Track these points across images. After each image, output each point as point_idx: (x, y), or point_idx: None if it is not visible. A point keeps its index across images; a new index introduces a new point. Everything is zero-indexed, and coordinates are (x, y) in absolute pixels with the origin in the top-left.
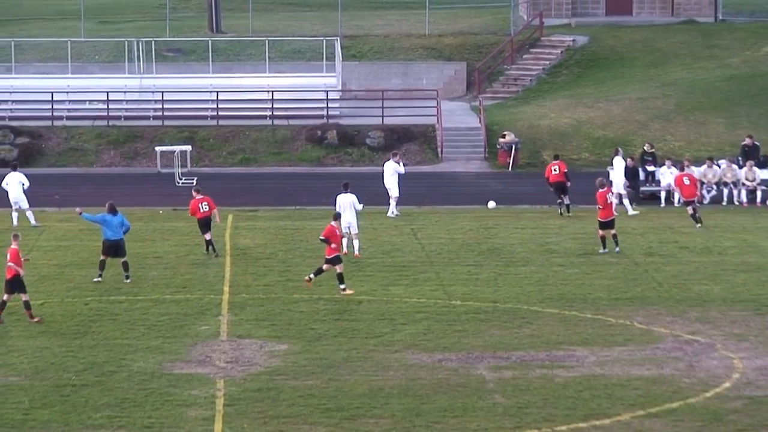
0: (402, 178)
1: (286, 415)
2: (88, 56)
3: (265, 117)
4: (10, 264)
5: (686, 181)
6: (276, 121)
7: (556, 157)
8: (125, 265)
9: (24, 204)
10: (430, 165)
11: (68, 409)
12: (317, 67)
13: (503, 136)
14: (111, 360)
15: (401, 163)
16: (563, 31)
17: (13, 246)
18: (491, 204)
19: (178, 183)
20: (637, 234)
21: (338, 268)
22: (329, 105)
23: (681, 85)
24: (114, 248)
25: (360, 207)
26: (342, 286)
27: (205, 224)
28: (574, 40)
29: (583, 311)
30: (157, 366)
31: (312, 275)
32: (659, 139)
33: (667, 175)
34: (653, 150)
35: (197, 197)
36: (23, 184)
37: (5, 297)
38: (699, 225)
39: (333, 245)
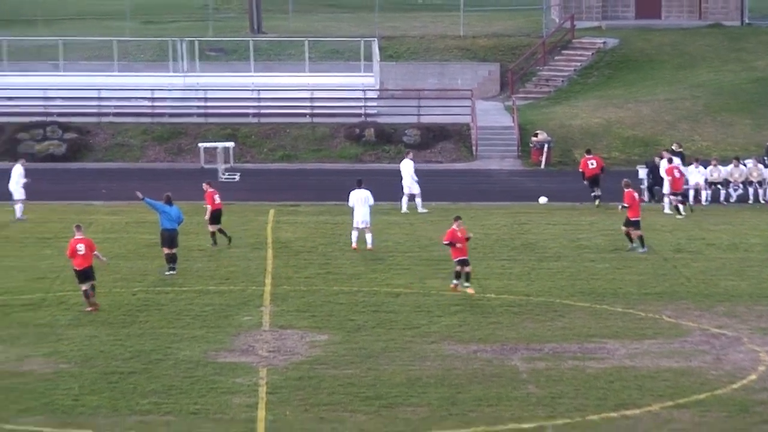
0: (436, 175)
1: (326, 403)
2: (133, 55)
3: (305, 115)
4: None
5: (677, 174)
6: (315, 119)
7: (588, 152)
8: (173, 258)
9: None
10: (464, 162)
11: (116, 396)
12: (355, 66)
13: (536, 135)
14: (157, 348)
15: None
16: (594, 34)
17: (78, 236)
18: (542, 199)
19: (221, 178)
20: (666, 231)
21: (467, 269)
22: (367, 104)
23: (708, 87)
24: (171, 238)
25: (372, 202)
26: (467, 284)
27: (217, 216)
28: (604, 43)
29: (614, 305)
30: (202, 354)
31: (455, 281)
32: (687, 139)
33: (694, 174)
34: (681, 149)
35: (209, 189)
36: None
37: (83, 287)
38: (680, 216)
39: (458, 245)
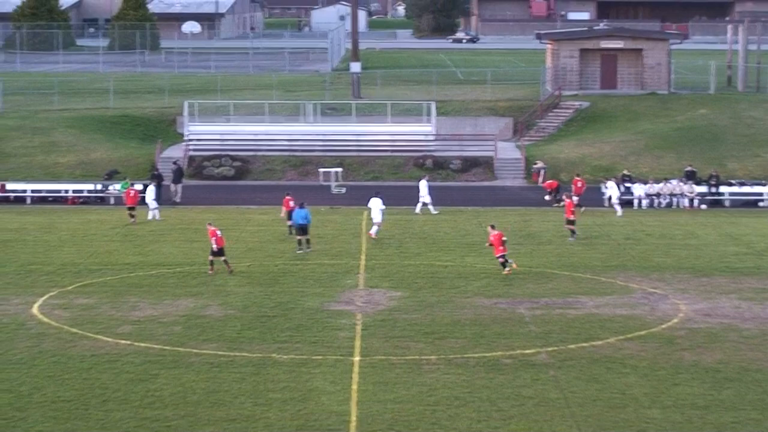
0: (471, 190)
1: (399, 336)
2: (278, 112)
3: (387, 150)
4: (217, 236)
5: (579, 184)
6: (394, 153)
7: (577, 175)
8: (308, 241)
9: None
10: (489, 181)
11: (264, 331)
12: (420, 119)
13: (535, 163)
14: (291, 300)
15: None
16: (573, 99)
17: (212, 228)
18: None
19: (333, 191)
20: (620, 225)
21: (505, 259)
22: (427, 143)
23: (647, 133)
24: (301, 229)
25: (383, 207)
26: (509, 264)
27: (292, 214)
28: (580, 105)
29: (585, 273)
30: (320, 305)
31: (506, 269)
32: (633, 166)
33: (639, 189)
34: (630, 173)
35: (288, 197)
36: (154, 191)
37: (221, 258)
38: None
39: (501, 246)
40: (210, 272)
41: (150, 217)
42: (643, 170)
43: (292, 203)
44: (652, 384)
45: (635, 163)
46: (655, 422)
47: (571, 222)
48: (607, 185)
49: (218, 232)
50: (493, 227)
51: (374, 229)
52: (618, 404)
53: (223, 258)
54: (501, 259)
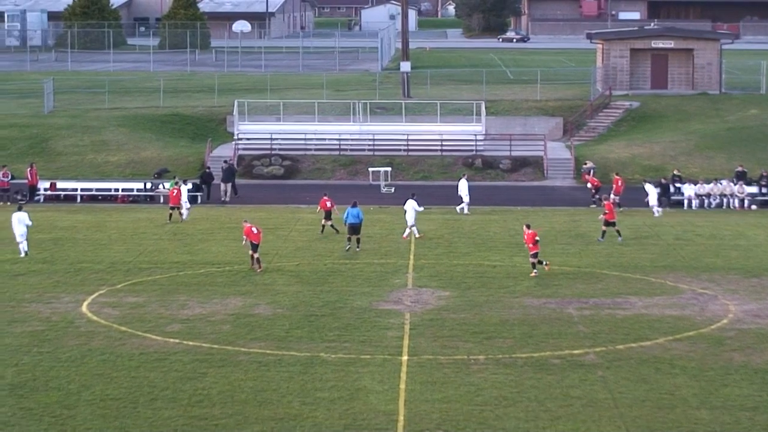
0: (521, 190)
1: (447, 335)
2: (327, 111)
3: (437, 150)
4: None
5: (619, 183)
6: (444, 153)
7: (617, 174)
8: (358, 241)
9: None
10: (539, 181)
11: (313, 330)
12: (469, 119)
13: (585, 164)
14: (339, 300)
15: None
16: (624, 99)
17: (247, 225)
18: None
19: (382, 191)
20: (669, 226)
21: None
22: (477, 143)
23: (697, 133)
24: (353, 228)
25: (420, 209)
26: (543, 264)
27: (328, 214)
28: (630, 105)
29: (634, 274)
30: (368, 304)
31: (534, 271)
32: (683, 166)
33: (688, 189)
34: (680, 173)
35: (325, 198)
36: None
37: (255, 254)
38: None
39: (533, 245)
40: (258, 269)
41: (184, 215)
42: (694, 171)
43: (329, 204)
44: (701, 385)
45: (685, 163)
46: (704, 423)
47: (611, 224)
48: (646, 187)
49: (254, 229)
50: (528, 226)
51: (407, 231)
52: (666, 405)
53: (256, 255)
54: (532, 260)
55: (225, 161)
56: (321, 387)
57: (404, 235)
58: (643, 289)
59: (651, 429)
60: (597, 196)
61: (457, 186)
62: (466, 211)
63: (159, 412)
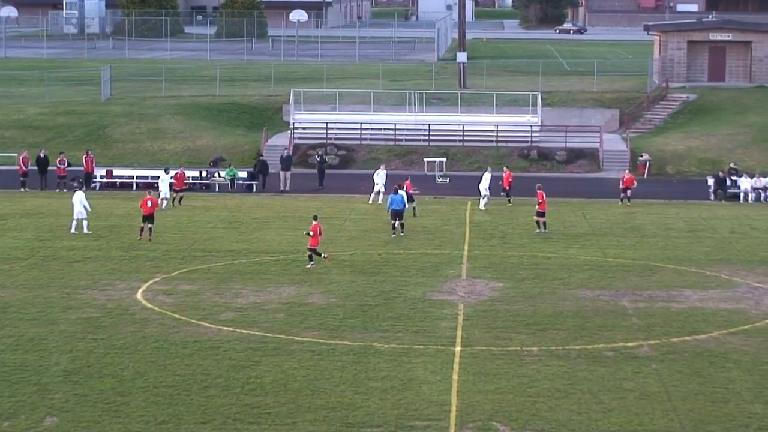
0: (577, 181)
1: (501, 327)
2: (383, 101)
3: (492, 141)
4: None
5: (627, 175)
6: (499, 144)
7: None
8: (402, 226)
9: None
10: (595, 173)
11: (366, 319)
12: (526, 110)
13: (641, 156)
14: (393, 290)
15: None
16: (681, 91)
17: (315, 223)
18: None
19: (438, 181)
20: (725, 219)
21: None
22: (533, 134)
23: (755, 126)
24: (396, 214)
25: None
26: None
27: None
28: (687, 97)
29: (689, 267)
30: (422, 294)
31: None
32: (740, 159)
33: (744, 183)
34: (736, 166)
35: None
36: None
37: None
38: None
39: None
40: (325, 256)
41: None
42: (750, 164)
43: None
44: (755, 379)
45: (742, 156)
46: (758, 418)
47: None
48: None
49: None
50: (539, 187)
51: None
52: (720, 399)
53: (322, 254)
54: (538, 217)
55: (285, 149)
56: (374, 377)
57: (482, 206)
58: (698, 282)
59: (704, 422)
60: (624, 195)
61: (481, 178)
62: (482, 206)
63: (212, 400)
